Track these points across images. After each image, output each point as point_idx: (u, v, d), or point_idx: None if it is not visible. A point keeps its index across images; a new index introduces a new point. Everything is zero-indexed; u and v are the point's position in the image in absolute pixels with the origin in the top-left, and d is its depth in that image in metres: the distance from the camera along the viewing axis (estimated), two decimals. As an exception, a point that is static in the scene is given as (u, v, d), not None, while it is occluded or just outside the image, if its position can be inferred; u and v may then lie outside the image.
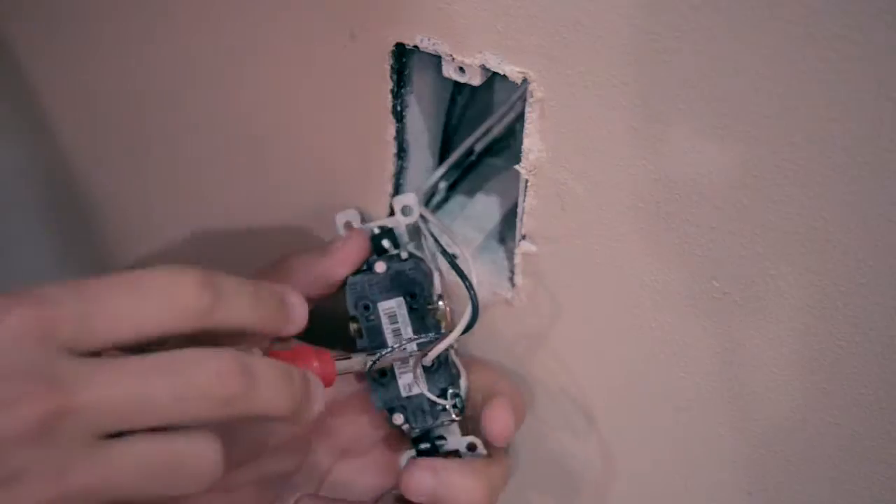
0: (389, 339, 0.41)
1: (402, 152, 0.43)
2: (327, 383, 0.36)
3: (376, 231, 0.42)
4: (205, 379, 0.30)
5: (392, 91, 0.40)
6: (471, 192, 0.47)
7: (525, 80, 0.36)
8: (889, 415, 0.36)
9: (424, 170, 0.45)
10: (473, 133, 0.43)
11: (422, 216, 0.42)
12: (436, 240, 0.41)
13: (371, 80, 0.40)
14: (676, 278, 0.37)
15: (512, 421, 0.39)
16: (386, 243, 0.42)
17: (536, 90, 0.36)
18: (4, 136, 0.58)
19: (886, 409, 0.36)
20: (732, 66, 0.31)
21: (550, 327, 0.43)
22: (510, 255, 0.43)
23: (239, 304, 0.32)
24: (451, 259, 0.39)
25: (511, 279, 0.43)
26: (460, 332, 0.38)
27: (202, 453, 0.30)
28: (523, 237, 0.41)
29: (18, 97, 0.55)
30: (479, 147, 0.42)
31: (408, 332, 0.40)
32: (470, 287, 0.38)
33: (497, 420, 0.39)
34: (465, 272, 0.38)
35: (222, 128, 0.48)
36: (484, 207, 0.46)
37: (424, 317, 0.41)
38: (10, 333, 0.28)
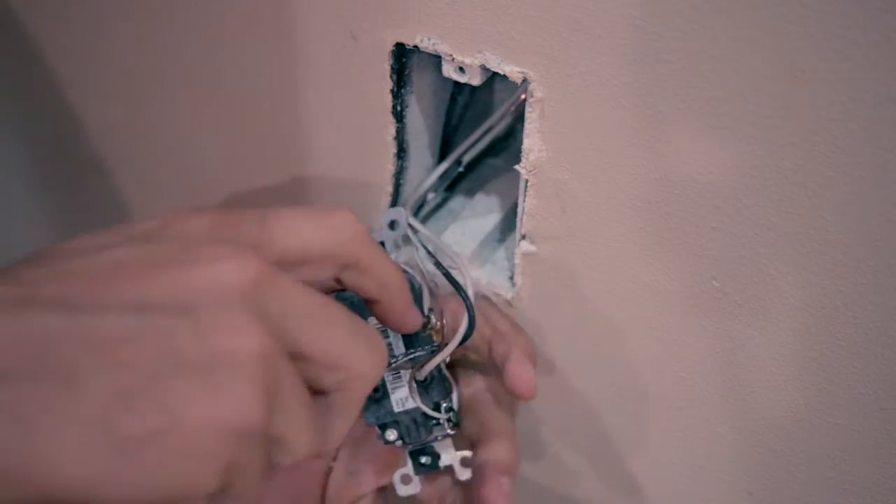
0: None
1: (402, 152, 0.43)
2: None
3: None
4: (377, 341, 0.31)
5: (392, 91, 0.40)
6: (471, 192, 0.47)
7: (525, 80, 0.36)
8: (889, 415, 0.36)
9: (424, 170, 0.45)
10: (463, 144, 0.43)
11: (412, 227, 0.41)
12: (428, 252, 0.40)
13: (371, 80, 0.40)
14: (676, 278, 0.37)
15: (534, 373, 0.39)
16: None
17: (536, 90, 0.36)
18: (4, 134, 0.58)
19: (886, 409, 0.36)
20: (732, 66, 0.31)
21: (550, 327, 0.43)
22: (510, 255, 0.43)
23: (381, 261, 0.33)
24: (446, 271, 0.39)
25: (511, 279, 0.43)
26: (457, 343, 0.38)
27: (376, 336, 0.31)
28: (523, 237, 0.41)
29: (19, 97, 0.55)
30: (466, 158, 0.42)
31: (399, 346, 0.40)
32: (466, 298, 0.38)
33: (520, 378, 0.39)
34: (462, 283, 0.38)
35: (222, 128, 0.49)
36: (484, 207, 0.46)
37: (416, 331, 0.40)
38: (209, 227, 0.28)
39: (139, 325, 0.25)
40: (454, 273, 0.38)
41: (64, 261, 0.26)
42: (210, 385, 0.25)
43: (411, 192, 0.44)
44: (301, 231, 0.30)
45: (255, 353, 0.26)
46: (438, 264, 0.39)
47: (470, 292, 0.38)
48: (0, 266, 0.27)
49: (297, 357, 0.28)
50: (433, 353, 0.39)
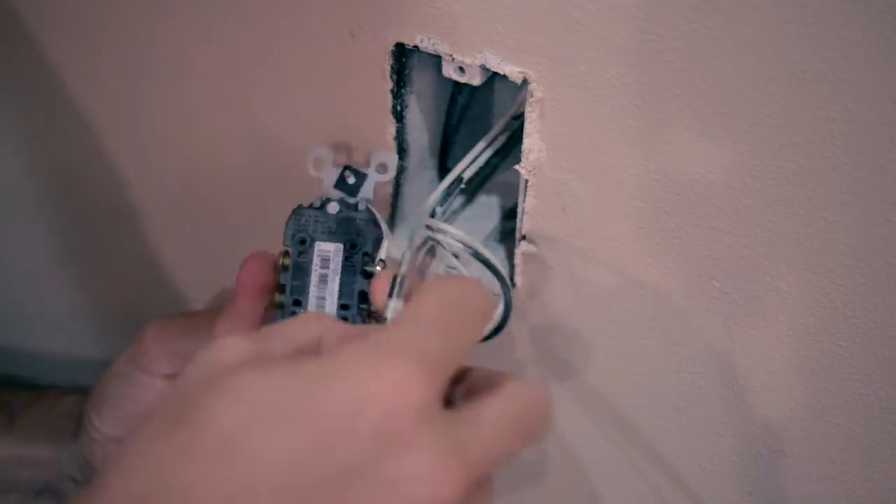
0: (314, 281, 0.39)
1: (402, 152, 0.43)
2: None
3: (346, 171, 0.40)
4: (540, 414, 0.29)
5: (392, 91, 0.40)
6: (471, 193, 0.47)
7: (525, 80, 0.36)
8: (889, 415, 0.36)
9: (424, 169, 0.45)
10: (463, 161, 0.42)
11: (430, 227, 0.41)
12: (461, 242, 0.39)
13: (371, 80, 0.40)
14: (676, 278, 0.37)
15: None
16: (350, 179, 0.40)
17: (536, 90, 0.36)
18: (5, 133, 0.58)
19: (886, 409, 0.36)
20: (732, 65, 0.31)
21: (550, 327, 0.43)
22: (510, 255, 0.43)
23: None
24: (484, 258, 0.37)
25: (511, 279, 0.43)
26: (488, 332, 0.36)
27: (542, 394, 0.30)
28: (523, 237, 0.41)
29: (20, 97, 0.55)
30: (467, 174, 0.42)
31: (335, 281, 0.38)
32: (504, 283, 0.36)
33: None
34: (500, 271, 0.36)
35: (222, 128, 0.49)
36: (484, 207, 0.46)
37: (355, 273, 0.38)
38: (406, 402, 0.25)
39: None
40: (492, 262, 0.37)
41: None
42: None
43: (417, 209, 0.44)
44: (469, 335, 0.29)
45: None
46: (478, 255, 0.37)
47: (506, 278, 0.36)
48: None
49: None
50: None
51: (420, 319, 0.28)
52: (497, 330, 0.37)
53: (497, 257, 0.37)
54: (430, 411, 0.26)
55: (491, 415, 0.28)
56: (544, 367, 0.45)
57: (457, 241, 0.37)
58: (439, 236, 0.38)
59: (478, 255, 0.37)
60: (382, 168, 0.40)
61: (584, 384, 0.44)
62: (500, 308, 0.36)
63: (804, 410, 0.38)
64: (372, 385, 0.25)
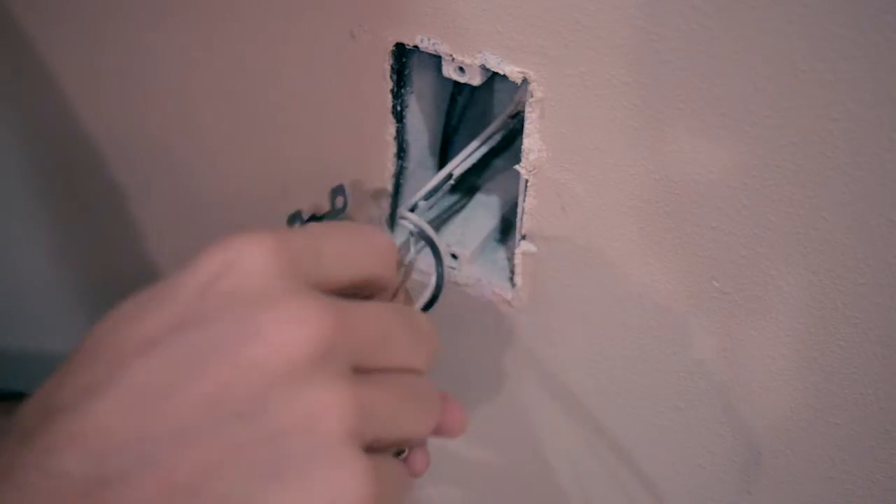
0: None
1: (402, 152, 0.43)
2: None
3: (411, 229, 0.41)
4: (428, 331, 0.30)
5: (392, 91, 0.40)
6: (471, 192, 0.47)
7: (525, 80, 0.36)
8: (889, 415, 0.36)
9: (424, 169, 0.45)
10: (454, 159, 0.42)
11: (402, 217, 0.41)
12: (412, 223, 0.40)
13: (371, 80, 0.40)
14: (676, 278, 0.37)
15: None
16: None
17: (536, 90, 0.36)
18: (5, 133, 0.58)
19: (886, 409, 0.36)
20: (732, 66, 0.31)
21: (550, 327, 0.43)
22: (510, 255, 0.43)
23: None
24: (426, 236, 0.38)
25: (511, 279, 0.43)
26: (421, 305, 0.37)
27: (432, 391, 0.30)
28: (523, 237, 0.41)
29: (20, 95, 0.55)
30: (457, 172, 0.42)
31: None
32: (438, 258, 0.37)
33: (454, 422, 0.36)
34: (437, 246, 0.38)
35: (222, 128, 0.49)
36: (484, 207, 0.46)
37: None
38: (267, 264, 0.27)
39: (220, 435, 0.24)
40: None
41: (117, 379, 0.24)
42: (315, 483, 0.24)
43: (419, 183, 0.44)
44: (353, 262, 0.30)
45: (346, 432, 0.25)
46: (423, 235, 0.39)
47: (445, 259, 0.38)
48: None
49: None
50: None
51: (292, 230, 0.29)
52: (430, 303, 0.37)
53: (437, 236, 0.39)
54: (286, 273, 0.26)
55: (366, 303, 0.28)
56: (543, 367, 0.45)
57: (412, 223, 0.39)
58: (404, 222, 0.40)
59: (422, 234, 0.39)
60: (338, 200, 0.41)
61: (584, 384, 0.44)
62: (433, 282, 0.37)
63: (804, 410, 0.38)
64: (222, 254, 0.27)
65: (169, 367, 0.25)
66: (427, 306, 0.38)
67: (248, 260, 0.27)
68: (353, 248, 0.30)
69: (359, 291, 0.32)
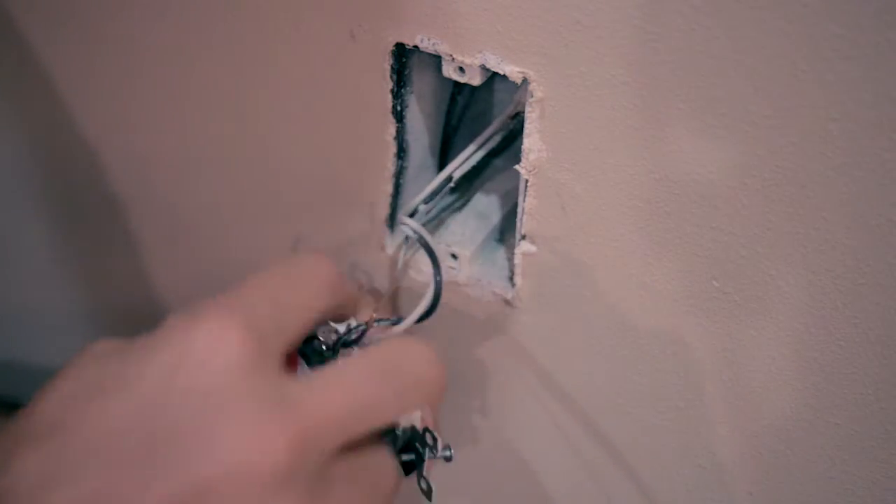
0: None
1: (402, 152, 0.43)
2: None
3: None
4: (424, 370, 0.29)
5: (392, 91, 0.40)
6: (470, 193, 0.47)
7: (525, 80, 0.36)
8: (889, 415, 0.36)
9: (424, 170, 0.45)
10: (454, 161, 0.42)
11: (402, 223, 0.41)
12: (412, 229, 0.40)
13: (371, 80, 0.40)
14: (676, 278, 0.37)
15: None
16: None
17: (536, 90, 0.36)
18: (6, 133, 0.58)
19: (886, 409, 0.36)
20: (732, 66, 0.31)
21: (550, 327, 0.43)
22: (510, 255, 0.43)
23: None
24: (425, 242, 0.38)
25: (511, 279, 0.43)
26: (418, 316, 0.37)
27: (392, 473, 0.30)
28: (523, 237, 0.41)
29: (22, 97, 0.55)
30: (457, 174, 0.42)
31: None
32: (437, 267, 0.37)
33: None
34: (436, 255, 0.37)
35: (222, 128, 0.48)
36: (484, 207, 0.46)
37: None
38: (230, 359, 0.25)
39: None
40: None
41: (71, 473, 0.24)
42: None
43: (419, 186, 0.44)
44: (309, 306, 0.29)
45: None
46: (422, 241, 0.39)
47: (443, 267, 0.37)
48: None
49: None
50: (395, 324, 0.38)
51: (244, 288, 0.28)
52: (427, 314, 0.37)
53: (435, 243, 0.39)
54: (249, 367, 0.26)
55: (337, 371, 0.27)
56: (543, 367, 0.45)
57: (412, 230, 0.40)
58: (404, 228, 0.40)
59: (420, 240, 0.39)
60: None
61: (584, 384, 0.44)
62: (431, 292, 0.37)
63: (804, 410, 0.38)
64: (186, 345, 0.26)
65: (124, 475, 0.24)
66: (424, 316, 0.38)
67: (212, 355, 0.26)
68: (303, 292, 0.29)
69: (332, 319, 0.32)
